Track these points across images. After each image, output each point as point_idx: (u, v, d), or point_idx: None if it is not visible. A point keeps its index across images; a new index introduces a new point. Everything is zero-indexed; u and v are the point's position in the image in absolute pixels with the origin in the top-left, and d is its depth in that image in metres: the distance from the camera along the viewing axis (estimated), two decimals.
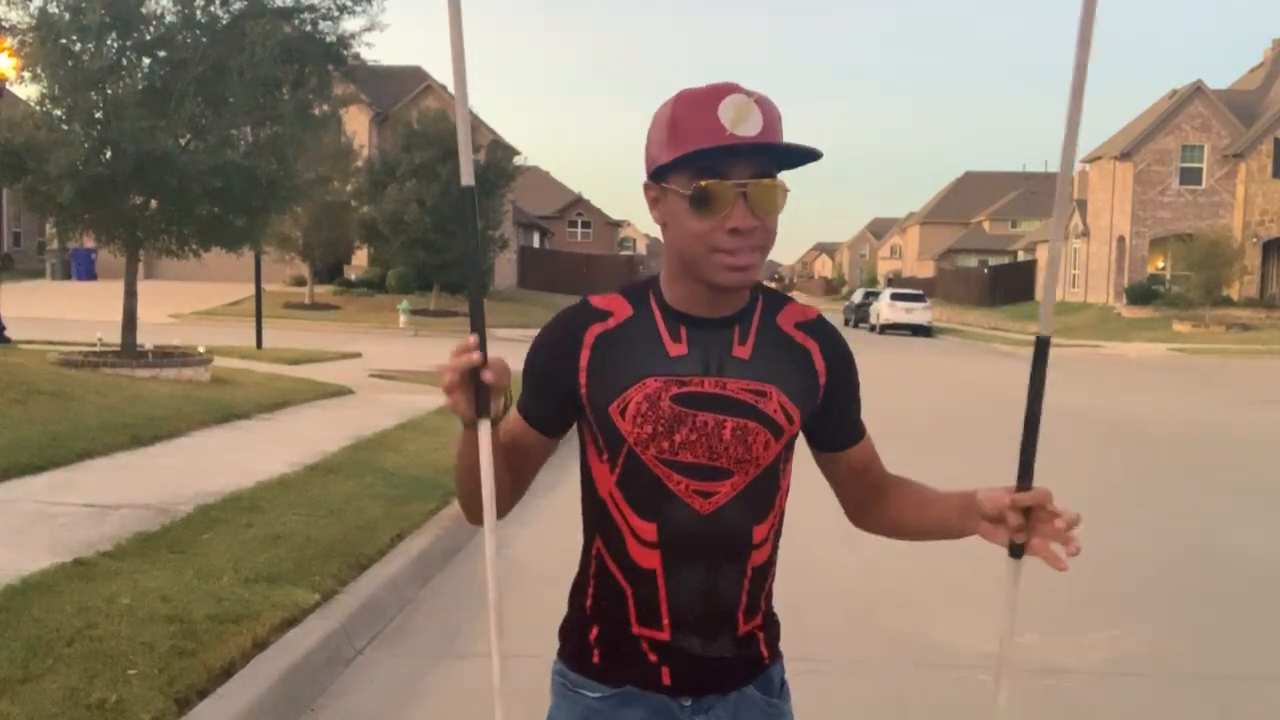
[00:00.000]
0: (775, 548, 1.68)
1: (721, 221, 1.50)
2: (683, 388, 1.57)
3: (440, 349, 24.37)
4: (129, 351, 12.90)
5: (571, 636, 1.71)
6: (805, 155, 1.53)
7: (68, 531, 5.58)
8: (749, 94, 1.51)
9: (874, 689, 4.37)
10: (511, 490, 1.74)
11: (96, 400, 9.65)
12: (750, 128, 1.48)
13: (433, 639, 4.77)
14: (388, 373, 16.15)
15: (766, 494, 1.62)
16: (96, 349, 13.66)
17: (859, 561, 6.11)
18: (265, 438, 9.38)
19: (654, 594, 1.60)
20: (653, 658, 1.62)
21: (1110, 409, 15.99)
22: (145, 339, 13.71)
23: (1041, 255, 56.09)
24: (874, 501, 1.78)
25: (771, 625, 1.72)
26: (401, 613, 5.10)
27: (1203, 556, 6.94)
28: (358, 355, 19.10)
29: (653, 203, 1.58)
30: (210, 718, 3.48)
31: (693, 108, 1.50)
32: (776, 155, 1.52)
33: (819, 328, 1.68)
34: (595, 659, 1.66)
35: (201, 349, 14.10)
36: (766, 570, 1.66)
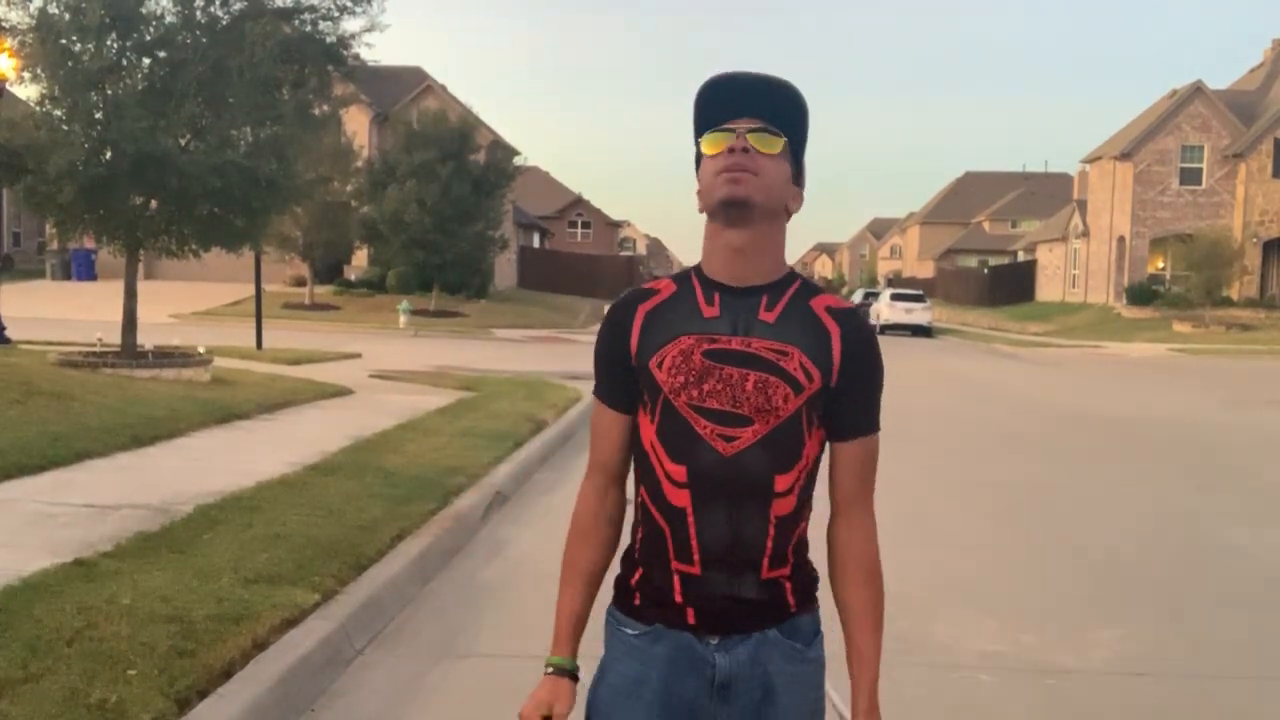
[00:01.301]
0: (803, 502, 1.82)
1: (725, 153, 1.75)
2: (713, 344, 1.77)
3: (440, 349, 24.33)
4: (129, 352, 12.90)
5: (621, 583, 1.89)
6: (796, 105, 1.81)
7: (68, 531, 5.58)
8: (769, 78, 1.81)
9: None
10: (619, 520, 1.95)
11: (96, 400, 9.65)
12: (757, 90, 1.79)
13: (433, 639, 4.77)
14: (388, 373, 16.15)
15: (789, 446, 1.78)
16: (96, 349, 13.65)
17: None
18: (265, 438, 9.38)
19: (686, 532, 1.78)
20: (679, 599, 1.80)
21: (1110, 409, 15.99)
22: (145, 339, 13.70)
23: (1043, 255, 56.11)
24: (836, 545, 1.92)
25: (802, 576, 1.86)
26: (401, 613, 5.10)
27: (1203, 556, 6.94)
28: (358, 355, 19.10)
29: (698, 182, 1.83)
30: (210, 718, 3.48)
31: (725, 80, 1.82)
32: (783, 124, 1.79)
33: (848, 316, 1.84)
34: (636, 601, 1.85)
35: (201, 349, 14.09)
36: (793, 522, 1.81)
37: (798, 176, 1.84)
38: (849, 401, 1.83)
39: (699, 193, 1.82)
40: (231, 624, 4.15)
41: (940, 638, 5.00)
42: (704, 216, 1.84)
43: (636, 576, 1.85)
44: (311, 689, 4.04)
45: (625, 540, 1.92)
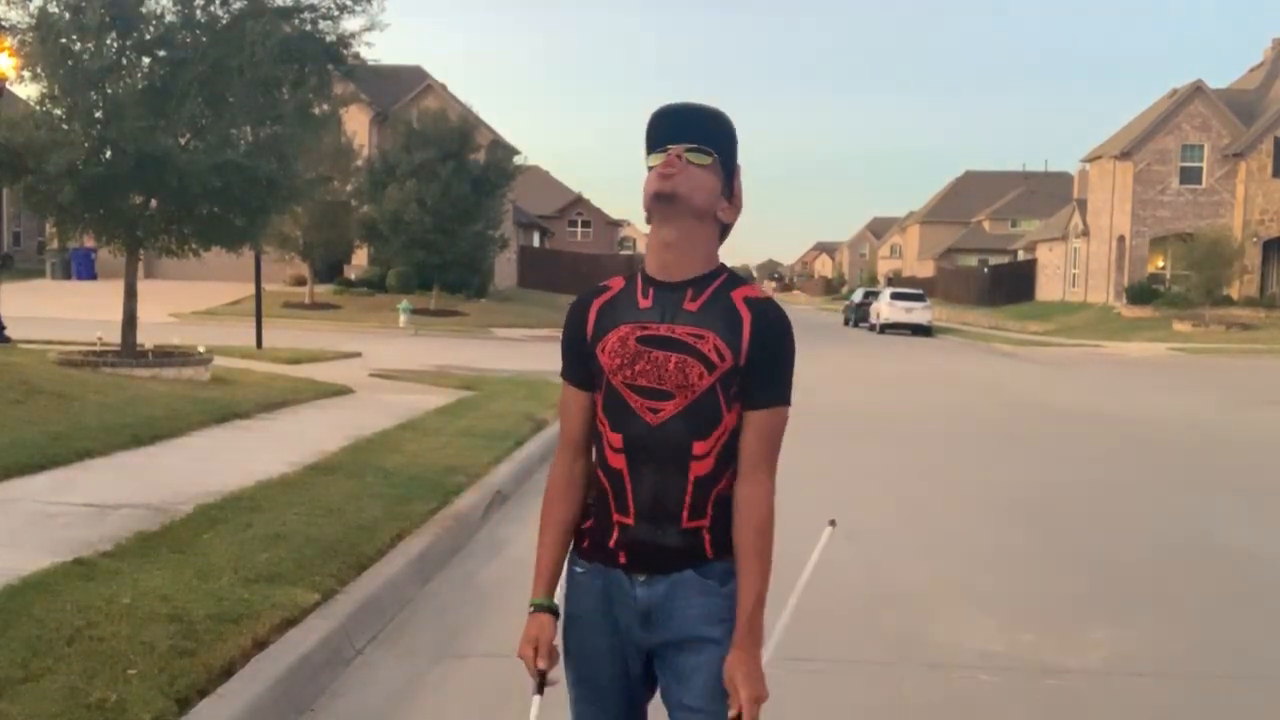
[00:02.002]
0: (722, 464, 2.09)
1: (660, 163, 2.09)
2: (644, 330, 2.09)
3: (440, 348, 24.28)
4: (129, 351, 12.90)
5: (578, 528, 2.23)
6: (723, 130, 2.13)
7: (68, 531, 5.58)
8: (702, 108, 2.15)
9: (874, 689, 4.37)
10: (584, 478, 2.24)
11: (96, 400, 9.65)
12: (692, 113, 2.13)
13: (433, 639, 4.77)
14: (388, 372, 16.15)
15: (706, 417, 2.07)
16: (96, 349, 13.65)
17: (859, 561, 6.11)
18: (265, 438, 9.38)
19: (623, 489, 2.11)
20: (613, 545, 2.14)
21: (1110, 408, 15.99)
22: (145, 339, 13.70)
23: (1043, 255, 56.10)
24: (737, 510, 2.10)
25: (721, 529, 2.11)
26: (401, 613, 5.10)
27: (1202, 556, 6.94)
28: (358, 355, 19.09)
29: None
30: (210, 718, 3.48)
31: (670, 109, 2.16)
32: (714, 144, 2.10)
33: (760, 303, 2.11)
34: (585, 544, 2.21)
35: (201, 349, 14.09)
36: (711, 481, 2.09)
37: (729, 192, 2.13)
38: (757, 376, 2.08)
39: (646, 209, 2.12)
40: (231, 624, 4.15)
41: (940, 638, 5.00)
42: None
43: (588, 524, 2.20)
44: (311, 689, 4.04)
45: None
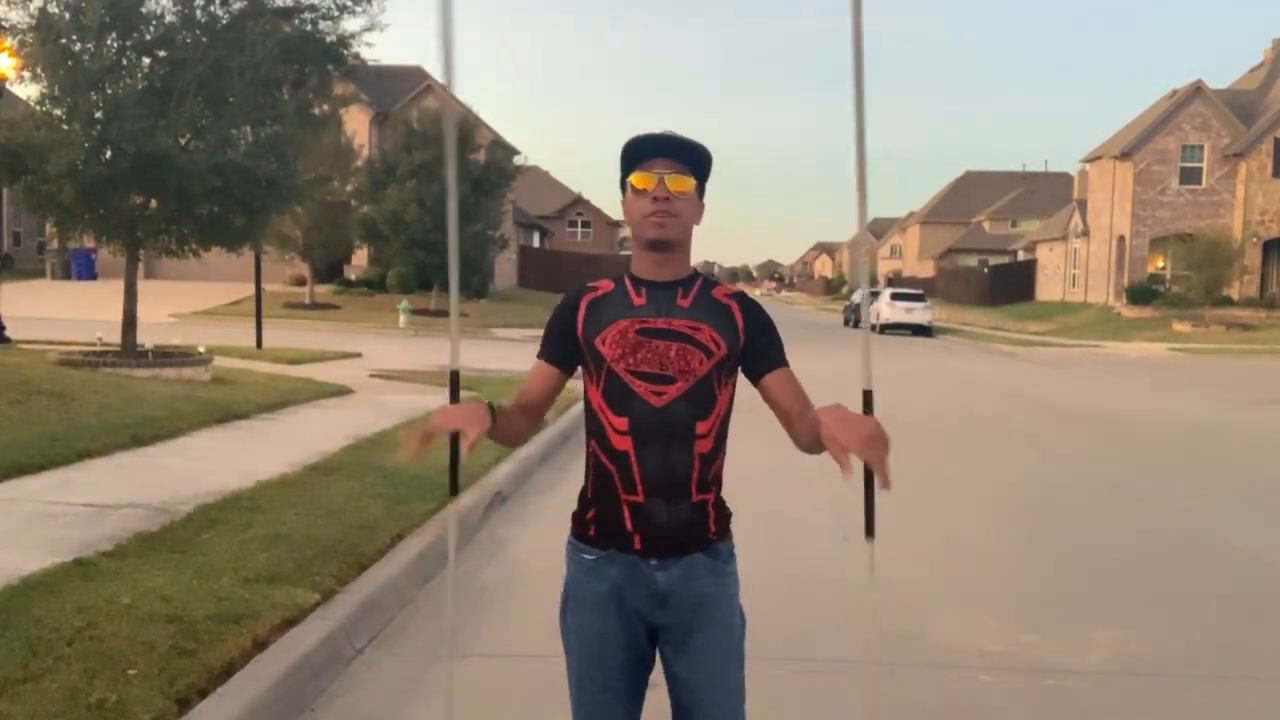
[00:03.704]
0: (719, 442, 2.33)
1: (646, 196, 2.29)
2: (643, 324, 2.31)
3: (441, 349, 24.31)
4: (129, 351, 12.90)
5: (579, 516, 2.38)
6: (699, 151, 2.34)
7: (68, 531, 5.58)
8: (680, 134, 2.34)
9: (874, 689, 4.37)
10: (529, 424, 2.44)
11: (96, 400, 9.65)
12: (672, 143, 2.32)
13: (433, 639, 4.77)
14: (388, 373, 16.15)
15: (705, 399, 2.30)
16: (96, 349, 13.65)
17: (859, 561, 6.10)
18: (265, 438, 9.38)
19: (630, 469, 2.28)
20: (629, 526, 2.29)
21: (1110, 409, 15.99)
22: (145, 339, 13.70)
23: (1043, 255, 56.09)
24: (802, 429, 2.31)
25: (721, 508, 2.37)
26: (401, 613, 5.10)
27: (1202, 556, 6.94)
28: (358, 355, 19.09)
29: (623, 209, 2.37)
30: (210, 718, 3.48)
31: (641, 139, 2.35)
32: (689, 162, 2.32)
33: (739, 296, 2.40)
34: (592, 532, 2.34)
35: (201, 349, 14.09)
36: (711, 457, 2.32)
37: (700, 196, 2.36)
38: (758, 349, 2.34)
39: (629, 223, 2.35)
40: (231, 624, 4.15)
41: (940, 638, 5.00)
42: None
43: (591, 514, 2.34)
44: (311, 689, 4.04)
45: (579, 483, 2.40)
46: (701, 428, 2.29)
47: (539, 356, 2.43)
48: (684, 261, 2.38)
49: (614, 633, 2.32)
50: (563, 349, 2.40)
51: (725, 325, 2.32)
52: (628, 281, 2.38)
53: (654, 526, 2.28)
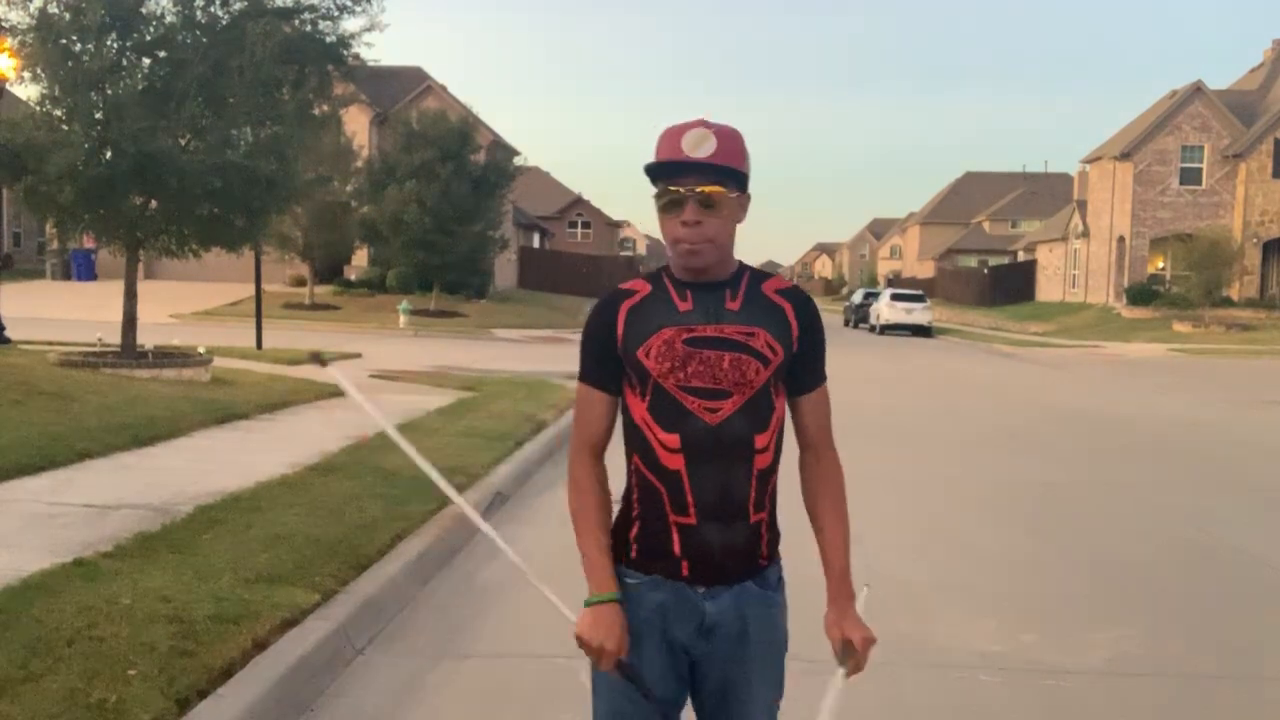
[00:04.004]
0: (776, 457, 2.16)
1: (678, 216, 2.07)
2: (691, 332, 2.09)
3: (441, 349, 24.27)
4: (129, 352, 12.89)
5: (619, 536, 2.18)
6: (737, 172, 2.09)
7: (68, 531, 5.58)
8: (711, 126, 2.07)
9: (874, 689, 4.37)
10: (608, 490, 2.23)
11: (96, 400, 9.65)
12: (703, 152, 2.05)
13: (433, 639, 4.77)
14: (388, 373, 16.15)
15: (763, 410, 2.12)
16: (96, 349, 13.65)
17: (859, 562, 6.09)
18: (265, 438, 9.38)
19: (681, 489, 2.10)
20: (678, 551, 2.11)
21: (1110, 409, 15.99)
22: (145, 339, 13.70)
23: (1043, 256, 56.07)
24: (806, 475, 2.25)
25: (773, 529, 2.20)
26: (401, 613, 5.10)
27: (1202, 556, 6.94)
28: (358, 356, 19.08)
29: (657, 212, 2.14)
30: (210, 718, 3.47)
31: (668, 138, 2.09)
32: (724, 174, 2.07)
33: (793, 293, 2.20)
34: (634, 554, 2.16)
35: (201, 349, 14.09)
36: (769, 473, 2.15)
37: (743, 195, 2.13)
38: (806, 362, 2.18)
39: (662, 231, 2.13)
40: (231, 624, 4.15)
41: (940, 638, 5.00)
42: None
43: (634, 531, 2.16)
44: (311, 689, 4.04)
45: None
46: (760, 440, 2.12)
47: (584, 381, 2.21)
48: (728, 263, 2.16)
49: (656, 661, 2.13)
50: (610, 368, 2.17)
51: (780, 328, 2.13)
52: (668, 282, 2.16)
53: (706, 552, 2.10)
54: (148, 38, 12.51)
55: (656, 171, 2.09)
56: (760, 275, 2.19)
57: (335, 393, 12.93)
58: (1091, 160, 49.12)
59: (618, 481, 2.22)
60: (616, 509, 2.21)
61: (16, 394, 9.16)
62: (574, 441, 2.23)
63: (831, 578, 2.22)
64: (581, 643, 2.07)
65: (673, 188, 2.06)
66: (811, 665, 4.62)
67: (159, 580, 4.63)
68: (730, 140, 2.08)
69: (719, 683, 2.18)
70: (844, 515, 2.24)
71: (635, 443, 2.15)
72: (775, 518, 2.20)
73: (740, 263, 2.19)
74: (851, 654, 2.21)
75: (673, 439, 2.09)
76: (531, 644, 4.68)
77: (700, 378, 2.08)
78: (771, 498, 2.17)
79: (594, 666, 2.11)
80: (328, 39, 13.10)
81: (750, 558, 2.15)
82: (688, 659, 2.16)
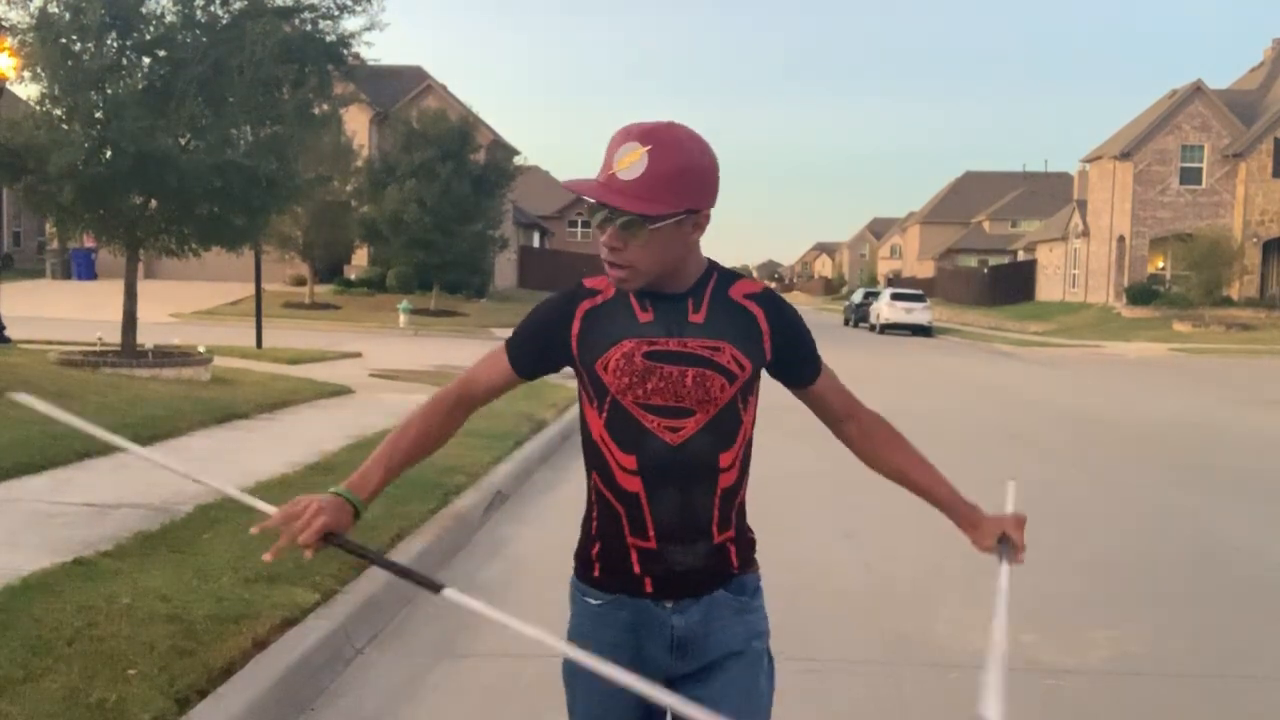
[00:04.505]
0: (743, 472, 2.04)
1: (602, 242, 1.91)
2: (652, 346, 1.95)
3: (441, 348, 24.28)
4: (129, 351, 12.90)
5: (582, 555, 2.08)
6: (664, 197, 1.85)
7: (68, 531, 5.58)
8: (654, 142, 1.84)
9: (874, 689, 4.37)
10: (451, 425, 2.15)
11: (96, 400, 9.65)
12: (631, 172, 1.83)
13: (433, 639, 4.77)
14: (388, 372, 16.15)
15: (729, 428, 1.99)
16: (96, 349, 13.65)
17: (859, 561, 6.11)
18: (265, 438, 9.38)
19: (640, 512, 1.97)
20: (637, 570, 1.99)
21: (1110, 409, 15.99)
22: (145, 339, 13.70)
23: (1043, 255, 56.07)
24: (862, 441, 2.19)
25: (743, 540, 2.07)
26: (401, 613, 5.10)
27: (1202, 556, 6.93)
28: (358, 355, 19.09)
29: None
30: (210, 718, 3.47)
31: (613, 141, 1.88)
32: (652, 200, 1.85)
33: (764, 296, 2.05)
34: (596, 573, 2.04)
35: (201, 349, 14.09)
36: (735, 490, 2.03)
37: (697, 220, 1.92)
38: (794, 360, 2.08)
39: None
40: (231, 624, 4.15)
41: (940, 638, 5.00)
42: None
43: (595, 549, 2.05)
44: (311, 689, 4.04)
45: (581, 512, 2.11)
46: (725, 459, 1.99)
47: (506, 345, 2.10)
48: (688, 271, 1.98)
49: (626, 691, 1.95)
50: (535, 357, 2.07)
51: (748, 338, 1.99)
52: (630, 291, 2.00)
53: (667, 571, 1.99)
54: (147, 37, 12.51)
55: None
56: (728, 277, 2.03)
57: (335, 392, 12.94)
58: (1091, 160, 49.13)
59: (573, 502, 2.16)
60: (580, 531, 2.10)
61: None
62: (465, 375, 2.12)
63: (947, 505, 2.19)
64: (281, 518, 1.97)
65: (592, 204, 1.88)
66: (811, 665, 4.64)
67: (159, 579, 4.63)
68: (666, 165, 1.83)
69: (696, 702, 2.02)
70: (915, 450, 2.20)
71: (593, 460, 2.04)
72: (744, 529, 2.08)
73: (708, 262, 2.02)
74: (1011, 547, 2.17)
75: (630, 460, 1.96)
76: (531, 644, 4.67)
77: (661, 395, 1.94)
78: (739, 514, 2.05)
79: (293, 542, 2.01)
80: (328, 38, 13.10)
81: (718, 572, 2.02)
82: (664, 679, 2.00)
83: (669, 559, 1.97)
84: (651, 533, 1.97)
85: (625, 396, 1.95)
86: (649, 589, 2.00)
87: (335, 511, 1.98)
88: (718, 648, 2.01)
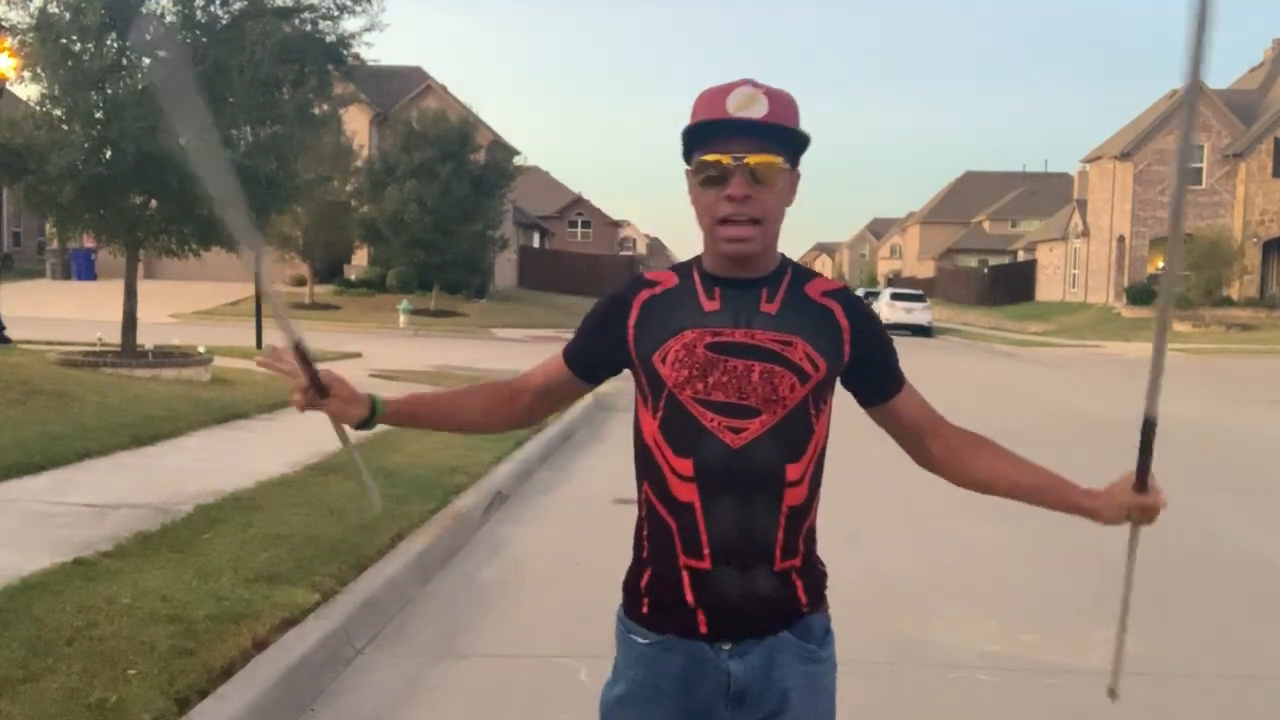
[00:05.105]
0: (813, 493, 1.83)
1: (721, 192, 1.73)
2: (716, 337, 1.77)
3: (441, 348, 24.28)
4: (129, 351, 12.90)
5: (630, 586, 1.88)
6: (795, 135, 1.76)
7: (68, 531, 5.58)
8: (759, 86, 1.74)
9: (874, 689, 4.37)
10: (504, 417, 2.01)
11: (96, 400, 9.64)
12: (754, 112, 1.71)
13: (433, 639, 4.77)
14: (388, 373, 16.14)
15: (799, 435, 1.78)
16: (96, 349, 13.65)
17: (859, 561, 6.11)
18: (265, 438, 9.38)
19: (694, 526, 1.76)
20: (690, 599, 1.77)
21: (1110, 409, 15.99)
22: (145, 339, 13.70)
23: (1043, 255, 56.06)
24: (948, 457, 1.94)
25: (812, 572, 1.85)
26: (401, 613, 5.10)
27: (1202, 556, 6.94)
28: (358, 355, 19.08)
29: (689, 189, 1.81)
30: (210, 718, 3.47)
31: (708, 98, 1.76)
32: (781, 139, 1.74)
33: (842, 294, 1.87)
34: (644, 609, 1.83)
35: (201, 349, 14.09)
36: (804, 512, 1.81)
37: (795, 170, 1.81)
38: (875, 369, 1.88)
39: (696, 210, 1.80)
40: (231, 624, 4.15)
41: (940, 638, 5.00)
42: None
43: (645, 579, 1.84)
44: (311, 689, 4.04)
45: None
46: (793, 472, 1.77)
47: (564, 352, 1.96)
48: (771, 255, 1.83)
49: None
50: (594, 356, 1.91)
51: (825, 336, 1.80)
52: (696, 276, 1.84)
53: (723, 601, 1.77)
54: (147, 37, 12.51)
55: (694, 137, 1.75)
56: (804, 274, 1.86)
57: None
58: (1091, 160, 49.15)
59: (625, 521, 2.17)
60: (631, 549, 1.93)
61: (16, 394, 9.16)
62: (529, 372, 2.00)
63: (1063, 492, 2.00)
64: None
65: (715, 156, 1.72)
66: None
67: (159, 579, 4.63)
68: (784, 102, 1.74)
69: None
70: (1008, 451, 1.94)
71: (645, 467, 1.83)
72: (814, 559, 1.86)
73: (783, 257, 1.85)
74: (1147, 509, 2.04)
75: (685, 464, 1.76)
76: (531, 644, 4.68)
77: (723, 390, 1.75)
78: (808, 540, 1.83)
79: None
80: (327, 39, 13.11)
81: (783, 608, 1.80)
82: None
83: (725, 584, 1.76)
84: (706, 550, 1.76)
85: (683, 391, 1.76)
86: (703, 629, 1.78)
87: (350, 403, 1.96)
88: (779, 698, 1.80)
